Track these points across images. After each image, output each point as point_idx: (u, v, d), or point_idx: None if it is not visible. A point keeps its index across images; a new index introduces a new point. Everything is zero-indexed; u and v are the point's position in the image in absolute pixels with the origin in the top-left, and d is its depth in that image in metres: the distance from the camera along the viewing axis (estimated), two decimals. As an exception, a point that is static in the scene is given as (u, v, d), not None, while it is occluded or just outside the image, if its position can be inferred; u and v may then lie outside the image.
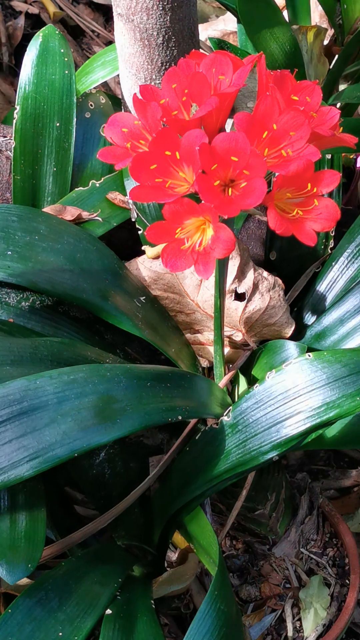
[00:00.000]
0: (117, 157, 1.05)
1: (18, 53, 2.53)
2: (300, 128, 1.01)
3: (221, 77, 1.05)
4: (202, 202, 0.98)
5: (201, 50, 1.36)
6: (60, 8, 2.59)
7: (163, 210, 0.99)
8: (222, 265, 1.15)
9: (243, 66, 1.05)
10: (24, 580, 1.06)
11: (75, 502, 1.51)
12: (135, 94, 1.06)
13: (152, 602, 1.15)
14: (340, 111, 1.08)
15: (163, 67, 1.35)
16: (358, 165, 1.93)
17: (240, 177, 0.99)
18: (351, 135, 1.10)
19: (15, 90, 2.44)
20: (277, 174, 1.01)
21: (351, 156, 1.88)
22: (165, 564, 1.39)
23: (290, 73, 1.08)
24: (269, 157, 1.01)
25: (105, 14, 2.72)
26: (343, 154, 1.52)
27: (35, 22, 2.59)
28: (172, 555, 1.45)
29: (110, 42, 2.60)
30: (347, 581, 1.46)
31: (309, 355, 1.12)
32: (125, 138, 1.06)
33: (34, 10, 2.57)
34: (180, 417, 1.11)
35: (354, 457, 1.82)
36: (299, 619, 1.43)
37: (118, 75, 1.61)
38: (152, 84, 1.37)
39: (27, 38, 2.53)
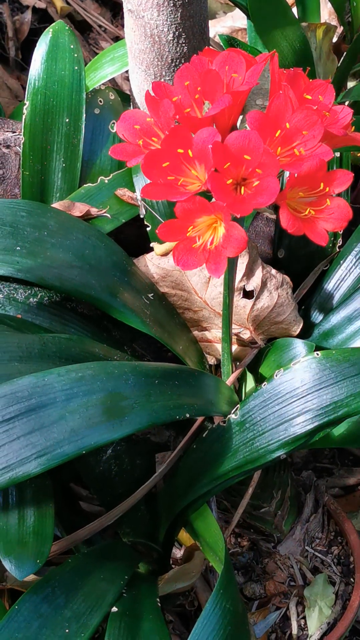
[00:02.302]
0: (129, 154, 1.05)
1: (25, 47, 2.52)
2: (313, 127, 1.00)
3: (234, 75, 1.04)
4: (214, 200, 0.98)
5: (211, 47, 1.36)
6: (68, 3, 2.58)
7: (175, 208, 0.98)
8: (231, 263, 1.15)
9: (256, 64, 1.05)
10: (31, 577, 1.06)
11: (80, 498, 1.51)
12: (147, 91, 1.06)
13: (158, 600, 1.15)
14: (352, 110, 1.07)
15: (173, 64, 1.34)
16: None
17: (252, 176, 0.98)
18: (363, 134, 1.09)
19: (22, 85, 2.44)
20: (288, 172, 1.01)
21: (358, 154, 1.87)
22: (170, 561, 1.39)
23: (295, 69, 1.08)
24: (282, 156, 1.00)
25: (112, 9, 2.72)
26: (352, 152, 1.52)
27: (42, 17, 2.58)
28: (177, 553, 1.45)
29: (117, 38, 2.60)
30: (351, 579, 1.46)
31: (317, 354, 1.12)
32: (137, 135, 1.06)
33: (41, 4, 2.57)
34: (188, 415, 1.11)
35: (358, 455, 1.82)
36: (304, 617, 1.43)
37: (126, 71, 1.61)
38: (162, 80, 1.36)
39: (34, 32, 2.53)
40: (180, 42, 1.32)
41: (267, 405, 1.14)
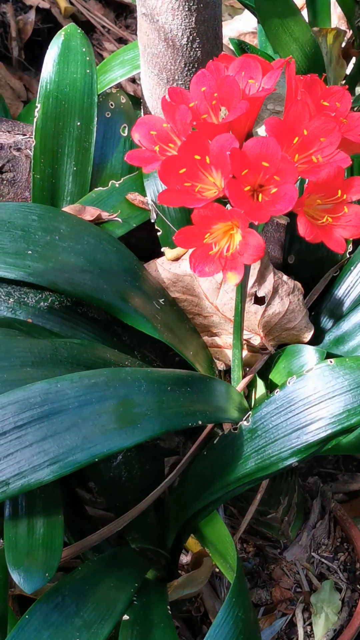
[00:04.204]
0: (145, 160, 1.04)
1: (28, 48, 2.52)
2: (330, 134, 1.00)
3: (250, 81, 1.04)
4: (231, 207, 0.97)
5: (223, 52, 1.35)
6: (71, 3, 2.58)
7: (192, 215, 0.98)
8: (245, 269, 1.15)
9: (272, 70, 1.04)
10: (40, 583, 1.06)
11: (84, 501, 1.51)
12: (164, 97, 1.05)
13: (168, 607, 1.15)
14: (370, 117, 1.07)
15: (186, 68, 1.34)
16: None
17: (270, 183, 0.98)
18: (379, 141, 1.09)
19: (25, 85, 2.44)
20: (305, 179, 1.00)
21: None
22: (177, 568, 1.39)
23: (311, 75, 1.07)
24: (299, 163, 1.00)
25: (116, 10, 2.72)
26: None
27: (45, 17, 2.58)
28: (183, 558, 1.44)
29: (120, 39, 2.60)
30: (358, 586, 1.46)
31: (331, 362, 1.11)
32: (154, 141, 1.05)
33: (44, 5, 2.57)
34: (200, 422, 1.10)
35: (363, 461, 1.82)
36: (310, 624, 1.43)
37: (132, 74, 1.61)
38: (175, 84, 1.36)
39: (37, 33, 2.53)
40: (194, 46, 1.31)
41: (280, 413, 1.14)
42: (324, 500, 1.53)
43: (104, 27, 2.61)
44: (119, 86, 2.34)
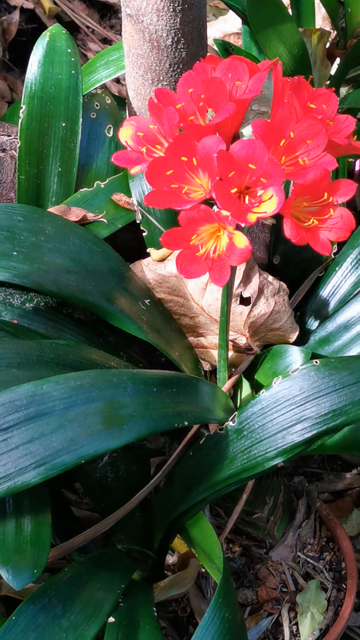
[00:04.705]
0: (132, 161, 1.05)
1: (12, 48, 2.51)
2: (317, 136, 1.00)
3: (237, 82, 1.04)
4: (217, 208, 0.97)
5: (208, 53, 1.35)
6: (55, 3, 2.58)
7: (179, 216, 0.98)
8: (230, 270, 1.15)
9: (259, 72, 1.04)
10: (28, 585, 1.05)
11: (69, 502, 1.50)
12: (150, 98, 1.05)
13: (154, 609, 1.15)
14: (355, 120, 1.07)
15: (171, 69, 1.34)
16: (357, 169, 1.94)
17: (257, 185, 0.98)
18: (365, 142, 1.09)
19: (9, 86, 2.43)
20: (292, 182, 1.01)
21: (349, 160, 1.88)
22: (164, 568, 1.39)
23: (298, 77, 1.07)
24: (286, 165, 1.00)
25: (100, 10, 2.71)
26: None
27: (30, 17, 2.57)
28: (170, 559, 1.44)
29: (105, 39, 2.60)
30: (343, 586, 1.46)
31: (316, 362, 1.12)
32: (140, 142, 1.05)
33: (29, 5, 2.56)
34: (186, 423, 1.10)
35: (347, 460, 1.83)
36: (296, 623, 1.43)
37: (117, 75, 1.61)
38: (160, 85, 1.36)
39: (21, 33, 2.52)
40: (179, 47, 1.31)
41: (266, 413, 1.14)
42: (310, 500, 1.53)
43: (88, 27, 2.61)
44: (104, 87, 2.34)
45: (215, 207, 0.99)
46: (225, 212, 0.96)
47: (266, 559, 1.48)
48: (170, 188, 0.99)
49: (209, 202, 0.99)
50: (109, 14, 2.69)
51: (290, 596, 1.45)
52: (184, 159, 0.98)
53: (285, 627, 1.42)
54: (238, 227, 0.98)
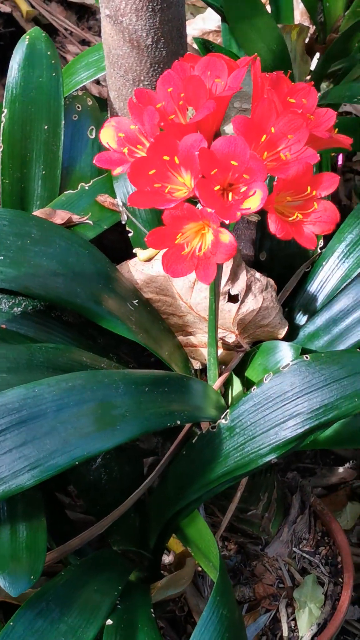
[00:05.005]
0: (114, 162, 1.04)
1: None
2: (298, 131, 1.00)
3: (217, 80, 1.04)
4: (201, 206, 0.97)
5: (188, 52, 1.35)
6: (33, 6, 2.57)
7: (163, 216, 0.98)
8: (218, 267, 1.15)
9: (238, 69, 1.04)
10: (26, 589, 1.06)
11: (63, 505, 1.50)
12: (130, 98, 1.05)
13: (152, 610, 1.15)
14: (336, 112, 1.07)
15: (152, 68, 1.34)
16: (340, 162, 1.94)
17: (239, 181, 0.98)
18: (346, 136, 1.10)
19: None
20: (275, 177, 1.01)
21: (332, 154, 1.88)
22: (160, 568, 1.39)
23: (277, 73, 1.08)
24: (268, 161, 1.00)
25: (78, 12, 2.70)
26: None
27: (7, 21, 2.56)
28: (166, 559, 1.44)
29: (83, 41, 2.59)
30: (340, 579, 1.46)
31: (307, 357, 1.12)
32: (122, 143, 1.05)
33: (6, 9, 2.55)
34: (178, 422, 1.10)
35: (340, 454, 1.83)
36: (294, 619, 1.43)
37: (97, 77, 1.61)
38: (141, 85, 1.36)
39: (-1, 37, 2.51)
40: (159, 46, 1.31)
41: (258, 410, 1.14)
42: (304, 495, 1.53)
43: (66, 29, 2.60)
44: (85, 88, 2.34)
45: (199, 205, 0.99)
46: (209, 210, 0.96)
47: (262, 556, 1.48)
48: (153, 188, 0.99)
49: (193, 201, 0.99)
50: (87, 16, 2.69)
51: (287, 592, 1.45)
52: (166, 158, 0.98)
53: (284, 623, 1.42)
54: (223, 225, 0.98)
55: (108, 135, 1.07)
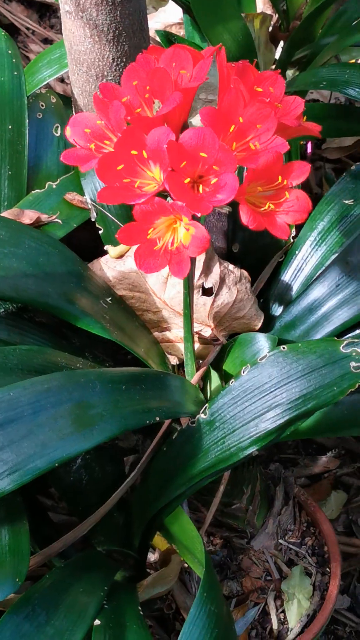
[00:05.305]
0: (82, 159, 1.03)
1: None
2: (266, 120, 0.99)
3: (182, 71, 1.03)
4: (172, 200, 0.96)
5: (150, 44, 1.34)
6: (-7, 6, 2.55)
7: (133, 211, 0.97)
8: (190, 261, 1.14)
9: (203, 59, 1.03)
10: (10, 595, 1.04)
11: (46, 508, 1.49)
12: (96, 93, 1.04)
13: (140, 608, 1.14)
14: (304, 100, 1.06)
15: (114, 63, 1.33)
16: (309, 150, 1.94)
17: (209, 173, 0.97)
18: (314, 123, 1.09)
19: None
20: (245, 168, 1.00)
21: (301, 142, 1.87)
22: (146, 566, 1.38)
23: (243, 62, 1.07)
24: (237, 151, 0.99)
25: (39, 11, 2.68)
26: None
27: (-34, 22, 2.55)
28: (151, 556, 1.43)
29: (46, 39, 2.57)
30: (327, 569, 1.46)
31: (284, 347, 1.11)
32: (89, 139, 1.04)
33: (-35, 10, 2.53)
34: (157, 419, 1.10)
35: (322, 443, 1.82)
36: (283, 611, 1.42)
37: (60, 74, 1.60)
38: (105, 80, 1.35)
39: None
40: (120, 40, 1.30)
41: (236, 403, 1.13)
42: (287, 486, 1.53)
43: (28, 28, 2.58)
44: (48, 86, 2.32)
45: (169, 198, 0.98)
46: (179, 203, 0.95)
47: (248, 549, 1.47)
48: (122, 183, 0.98)
49: (163, 195, 0.98)
50: (49, 14, 2.67)
51: (275, 584, 1.44)
52: (134, 152, 0.97)
53: (273, 615, 1.42)
54: (194, 217, 0.97)
55: (74, 132, 1.06)
